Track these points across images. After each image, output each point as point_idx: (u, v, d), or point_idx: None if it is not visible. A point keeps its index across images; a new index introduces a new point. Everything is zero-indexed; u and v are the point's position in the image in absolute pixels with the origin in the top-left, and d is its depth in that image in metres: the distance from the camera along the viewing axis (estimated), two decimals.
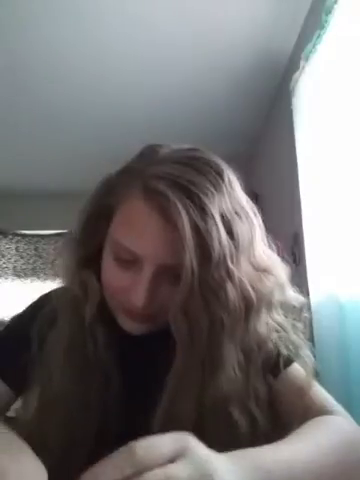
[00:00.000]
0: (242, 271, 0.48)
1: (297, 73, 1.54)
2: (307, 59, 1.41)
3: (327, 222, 1.20)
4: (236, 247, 0.47)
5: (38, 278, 3.41)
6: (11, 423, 0.48)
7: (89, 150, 2.71)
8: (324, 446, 0.43)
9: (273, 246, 0.56)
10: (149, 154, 0.52)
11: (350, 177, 1.04)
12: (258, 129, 2.51)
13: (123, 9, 1.59)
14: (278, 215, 1.96)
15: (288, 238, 1.77)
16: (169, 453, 0.31)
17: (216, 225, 0.45)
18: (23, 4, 1.57)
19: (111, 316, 0.54)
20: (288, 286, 0.54)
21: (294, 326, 0.56)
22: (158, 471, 0.30)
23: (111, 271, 0.51)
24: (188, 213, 0.44)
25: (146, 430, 0.49)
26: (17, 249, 3.46)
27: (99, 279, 0.53)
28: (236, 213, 0.49)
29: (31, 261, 3.44)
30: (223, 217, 0.46)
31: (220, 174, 0.49)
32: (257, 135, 2.57)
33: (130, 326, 0.52)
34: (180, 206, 0.44)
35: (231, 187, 0.50)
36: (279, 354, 0.54)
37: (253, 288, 0.49)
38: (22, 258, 3.45)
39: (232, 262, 0.47)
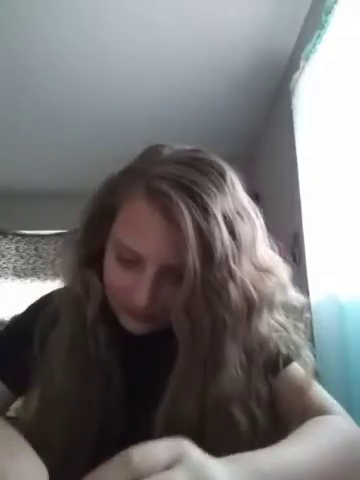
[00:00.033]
0: (244, 271, 0.48)
1: (297, 73, 1.54)
2: (307, 59, 1.41)
3: (327, 222, 1.20)
4: (238, 247, 0.47)
5: (38, 278, 3.41)
6: (12, 423, 0.48)
7: (89, 150, 2.71)
8: (324, 446, 0.43)
9: (275, 246, 0.56)
10: (152, 154, 0.52)
11: (350, 177, 1.04)
12: (258, 129, 2.51)
13: (123, 9, 1.59)
14: (278, 215, 1.96)
15: (288, 238, 1.77)
16: (166, 460, 0.31)
17: (218, 225, 0.45)
18: (23, 4, 1.57)
19: (113, 316, 0.54)
20: (290, 286, 0.55)
21: (295, 326, 0.56)
22: (155, 478, 0.30)
23: (113, 271, 0.51)
24: (191, 213, 0.44)
25: (148, 430, 0.50)
26: (17, 249, 3.46)
27: (101, 279, 0.53)
28: (238, 213, 0.49)
29: (31, 261, 3.44)
30: (225, 217, 0.47)
31: (222, 175, 0.49)
32: (257, 135, 2.57)
33: (132, 326, 0.52)
34: (183, 206, 0.44)
35: (233, 188, 0.50)
36: (279, 353, 0.54)
37: (255, 288, 0.49)
38: (22, 258, 3.45)
39: (234, 262, 0.47)
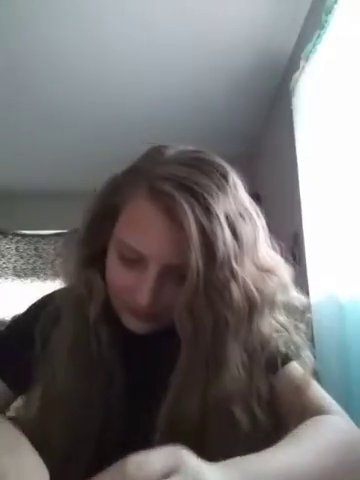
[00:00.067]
0: (246, 271, 0.49)
1: (297, 73, 1.54)
2: (307, 59, 1.41)
3: (327, 222, 1.20)
4: (240, 247, 0.48)
5: (38, 278, 3.41)
6: (13, 422, 0.48)
7: (89, 150, 2.71)
8: (322, 447, 0.43)
9: (276, 247, 0.57)
10: (154, 155, 0.53)
11: (350, 177, 1.04)
12: (258, 129, 2.51)
13: (123, 9, 1.59)
14: (278, 215, 1.96)
15: (288, 238, 1.77)
16: (162, 469, 0.31)
17: (221, 225, 0.46)
18: (23, 4, 1.57)
19: (115, 315, 0.54)
20: (291, 287, 0.55)
21: (296, 327, 0.56)
22: None
23: (116, 270, 0.51)
24: (194, 213, 0.45)
25: (149, 429, 0.50)
26: (17, 249, 3.46)
27: (103, 278, 0.53)
28: (240, 214, 0.49)
29: (31, 261, 3.44)
30: (227, 218, 0.47)
31: (225, 176, 0.50)
32: (257, 135, 2.57)
33: (134, 325, 0.53)
34: (186, 206, 0.45)
35: (235, 188, 0.51)
36: (278, 352, 0.55)
37: (257, 288, 0.49)
38: (22, 258, 3.45)
39: (236, 262, 0.47)
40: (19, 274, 3.41)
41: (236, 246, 0.47)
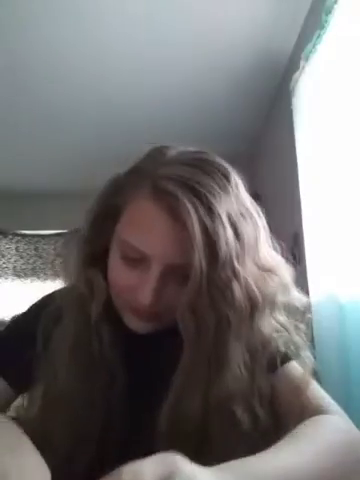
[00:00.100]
0: (247, 271, 0.49)
1: (297, 73, 1.54)
2: (307, 59, 1.41)
3: (327, 222, 1.20)
4: (242, 247, 0.48)
5: (38, 278, 3.41)
6: (14, 422, 0.48)
7: (89, 150, 2.71)
8: (322, 447, 0.43)
9: (277, 247, 0.57)
10: (156, 155, 0.53)
11: (350, 177, 1.04)
12: (258, 129, 2.51)
13: (123, 9, 1.59)
14: (278, 215, 1.96)
15: (288, 238, 1.77)
16: (157, 478, 0.31)
17: (223, 225, 0.46)
18: (23, 4, 1.57)
19: (117, 315, 0.54)
20: (292, 287, 0.55)
21: (296, 327, 0.56)
22: None
23: (118, 270, 0.51)
24: (197, 213, 0.45)
25: (151, 429, 0.50)
26: (17, 249, 3.46)
27: (105, 278, 0.54)
28: (241, 214, 0.50)
29: (31, 261, 3.44)
30: (229, 218, 0.48)
31: (226, 176, 0.50)
32: (257, 135, 2.57)
33: (136, 325, 0.53)
34: (189, 206, 0.45)
35: (237, 189, 0.51)
36: (277, 351, 0.55)
37: (258, 288, 0.50)
38: (22, 258, 3.45)
39: (238, 262, 0.48)
40: (19, 274, 3.41)
41: (238, 246, 0.48)
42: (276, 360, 0.54)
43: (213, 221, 0.45)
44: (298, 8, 1.59)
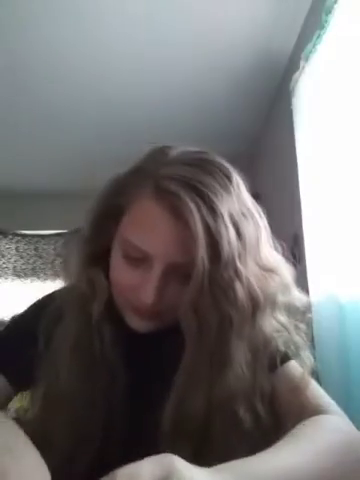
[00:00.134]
0: (249, 271, 0.49)
1: (297, 73, 1.54)
2: (307, 59, 1.41)
3: (327, 222, 1.20)
4: (244, 247, 0.49)
5: (38, 278, 3.41)
6: (15, 422, 0.48)
7: (89, 150, 2.71)
8: (321, 448, 0.42)
9: (278, 247, 0.57)
10: (158, 155, 0.53)
11: (350, 177, 1.04)
12: (258, 129, 2.51)
13: (123, 9, 1.59)
14: (278, 215, 1.96)
15: (288, 238, 1.77)
16: (154, 479, 0.31)
17: (225, 225, 0.46)
18: (23, 4, 1.56)
19: (118, 314, 0.54)
20: (293, 287, 0.56)
21: (297, 327, 0.56)
22: None
23: (120, 269, 0.52)
24: (199, 212, 0.45)
25: (152, 429, 0.50)
26: (17, 249, 3.45)
27: (107, 277, 0.54)
28: (243, 214, 0.50)
29: (31, 261, 3.44)
30: (231, 218, 0.48)
31: (228, 176, 0.50)
32: (257, 135, 2.57)
33: (137, 324, 0.53)
34: (192, 205, 0.45)
35: (238, 189, 0.51)
36: (277, 351, 0.55)
37: (260, 288, 0.50)
38: (22, 258, 3.45)
39: (240, 262, 0.48)
40: (19, 274, 3.41)
41: (240, 246, 0.48)
42: (276, 360, 0.54)
43: (215, 221, 0.46)
44: (298, 8, 1.59)
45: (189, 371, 0.50)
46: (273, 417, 0.52)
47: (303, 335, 0.57)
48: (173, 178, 0.48)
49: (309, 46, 1.38)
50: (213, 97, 2.18)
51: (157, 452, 0.34)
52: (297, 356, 0.56)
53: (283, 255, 0.57)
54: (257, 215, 0.53)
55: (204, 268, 0.45)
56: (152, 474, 0.31)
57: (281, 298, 0.54)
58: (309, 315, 0.58)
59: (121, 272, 0.52)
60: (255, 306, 0.50)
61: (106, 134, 2.54)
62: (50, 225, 3.39)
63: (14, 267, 3.42)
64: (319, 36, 1.28)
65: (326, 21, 1.21)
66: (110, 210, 0.53)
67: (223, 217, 0.46)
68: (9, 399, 0.60)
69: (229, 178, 0.50)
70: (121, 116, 2.34)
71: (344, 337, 1.03)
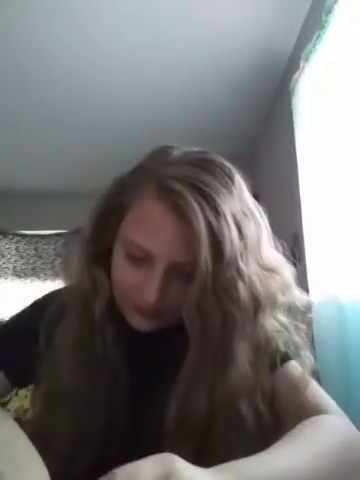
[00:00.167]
0: (251, 270, 0.50)
1: (297, 73, 1.54)
2: (307, 59, 1.41)
3: (327, 222, 1.20)
4: (246, 247, 0.49)
5: (38, 278, 3.41)
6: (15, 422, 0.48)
7: (89, 150, 2.71)
8: (321, 448, 0.42)
9: (279, 247, 0.58)
10: (161, 155, 0.54)
11: (350, 177, 1.04)
12: (258, 129, 2.51)
13: (120, 9, 1.59)
14: (278, 215, 1.95)
15: (288, 238, 1.77)
16: (154, 478, 0.31)
17: (228, 225, 0.47)
18: (16, 4, 1.56)
19: (120, 314, 0.54)
20: (294, 287, 0.56)
21: (297, 327, 0.56)
22: None
23: (122, 268, 0.52)
24: (202, 212, 0.46)
25: (153, 428, 0.50)
26: (17, 249, 3.46)
27: (108, 276, 0.54)
28: (244, 214, 0.50)
29: (31, 261, 3.44)
30: (234, 218, 0.48)
31: (230, 176, 0.51)
32: (257, 135, 2.57)
33: (139, 323, 0.53)
34: (195, 205, 0.46)
35: (240, 189, 0.52)
36: (277, 351, 0.55)
37: (261, 287, 0.50)
38: (22, 258, 3.45)
39: (242, 261, 0.48)
40: (19, 274, 3.41)
41: (242, 245, 0.48)
42: (276, 359, 0.54)
43: (218, 221, 0.46)
44: (298, 8, 1.59)
45: (193, 370, 0.50)
46: (273, 416, 0.52)
47: (303, 335, 0.57)
48: (176, 177, 0.48)
49: (309, 46, 1.38)
50: (213, 97, 2.18)
51: (158, 452, 0.34)
52: (297, 356, 0.56)
53: (284, 255, 0.57)
54: (258, 215, 0.53)
55: (207, 268, 0.45)
56: (152, 473, 0.31)
57: (282, 298, 0.54)
58: (309, 315, 0.58)
59: (123, 271, 0.52)
60: (257, 305, 0.50)
61: (106, 134, 2.54)
62: (50, 225, 3.39)
63: (14, 267, 3.42)
64: (319, 36, 1.28)
65: (326, 21, 1.21)
66: (113, 209, 0.54)
67: (225, 217, 0.47)
68: (6, 392, 0.60)
69: (231, 178, 0.51)
70: (121, 117, 2.34)
71: (344, 337, 1.03)
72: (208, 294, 0.47)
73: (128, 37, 1.74)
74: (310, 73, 1.39)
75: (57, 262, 3.39)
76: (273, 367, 0.54)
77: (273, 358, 0.54)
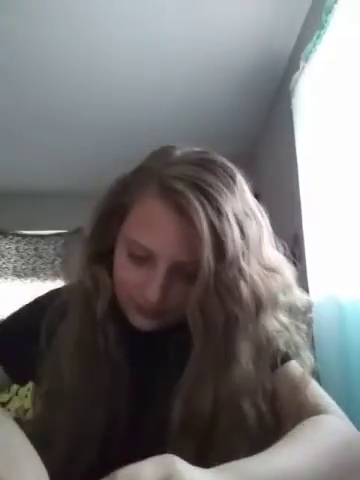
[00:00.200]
0: (253, 270, 0.50)
1: (297, 73, 1.54)
2: (307, 59, 1.41)
3: (327, 222, 1.20)
4: (247, 247, 0.49)
5: (38, 278, 3.41)
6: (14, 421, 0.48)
7: (89, 150, 2.71)
8: (321, 449, 0.42)
9: (280, 247, 0.58)
10: (163, 155, 0.54)
11: (350, 177, 1.04)
12: (258, 129, 2.51)
13: (123, 9, 1.59)
14: (278, 215, 1.95)
15: (288, 238, 1.76)
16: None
17: (230, 225, 0.47)
18: (16, 5, 1.56)
19: (122, 313, 0.54)
20: (295, 287, 0.56)
21: (297, 327, 0.57)
22: None
23: (125, 267, 0.52)
24: (205, 211, 0.46)
25: (154, 428, 0.50)
26: (17, 249, 3.45)
27: (110, 276, 0.54)
28: (246, 214, 0.50)
29: (31, 261, 3.44)
30: (236, 217, 0.48)
31: (232, 176, 0.51)
32: (257, 135, 2.57)
33: (140, 323, 0.53)
34: (197, 204, 0.46)
35: (242, 189, 0.52)
36: (278, 351, 0.55)
37: (263, 287, 0.50)
38: (22, 258, 3.45)
39: (244, 261, 0.48)
40: (19, 274, 3.41)
41: (244, 245, 0.48)
42: (276, 359, 0.55)
43: (220, 220, 0.46)
44: (298, 8, 1.59)
45: (197, 369, 0.50)
46: (274, 416, 0.52)
47: (304, 335, 0.57)
48: (178, 177, 0.48)
49: (309, 46, 1.38)
50: (213, 98, 2.18)
51: (159, 452, 0.34)
52: (297, 356, 0.56)
53: (284, 255, 0.57)
54: (259, 215, 0.54)
55: (210, 268, 0.45)
56: (153, 475, 0.31)
57: (283, 298, 0.54)
58: (310, 315, 0.58)
59: (125, 270, 0.52)
60: (259, 305, 0.50)
61: (106, 134, 2.53)
62: (50, 225, 3.39)
63: (14, 267, 3.42)
64: (319, 36, 1.28)
65: (326, 21, 1.21)
66: (115, 209, 0.54)
67: (228, 216, 0.47)
68: (6, 385, 0.60)
69: (233, 178, 0.51)
70: (121, 117, 2.34)
71: (344, 337, 1.03)
72: (211, 294, 0.47)
73: (128, 37, 1.74)
74: (310, 73, 1.39)
75: (57, 262, 3.39)
76: (274, 367, 0.55)
77: (274, 358, 0.54)
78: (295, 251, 1.69)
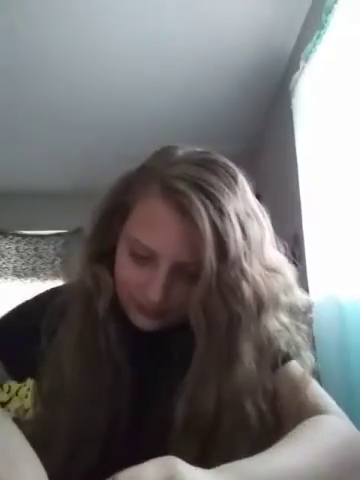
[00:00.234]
0: (254, 270, 0.50)
1: (297, 73, 1.54)
2: (307, 59, 1.41)
3: (327, 222, 1.20)
4: (249, 247, 0.49)
5: (38, 278, 3.40)
6: (14, 422, 0.48)
7: (89, 150, 2.71)
8: (322, 449, 0.43)
9: (281, 247, 0.58)
10: (165, 155, 0.54)
11: (350, 177, 1.04)
12: (258, 129, 2.51)
13: (123, 6, 1.59)
14: (278, 215, 1.95)
15: (288, 238, 1.76)
16: None
17: (232, 225, 0.47)
18: (18, 4, 1.56)
19: (123, 312, 0.54)
20: (296, 287, 0.56)
21: (298, 327, 0.57)
22: None
23: (126, 267, 0.52)
24: (207, 211, 0.46)
25: (155, 428, 0.50)
26: (17, 249, 3.45)
27: (112, 275, 0.54)
28: (248, 214, 0.51)
29: (31, 261, 3.44)
30: (238, 218, 0.48)
31: (234, 177, 0.51)
32: (257, 135, 2.57)
33: (142, 322, 0.53)
34: (199, 204, 0.46)
35: (244, 189, 0.52)
36: (279, 351, 0.55)
37: (264, 287, 0.50)
38: (22, 258, 3.44)
39: (246, 261, 0.49)
40: (19, 274, 3.41)
41: (246, 246, 0.49)
42: (277, 359, 0.55)
43: (223, 221, 0.46)
44: (298, 8, 1.59)
45: (200, 369, 0.50)
46: (274, 416, 0.52)
47: (304, 335, 0.57)
48: (180, 177, 0.48)
49: (309, 46, 1.38)
50: (213, 97, 2.18)
51: (161, 452, 0.34)
52: (298, 356, 0.56)
53: (285, 255, 0.57)
54: (261, 215, 0.54)
55: (212, 268, 0.45)
56: (155, 477, 0.31)
57: (284, 298, 0.54)
58: (310, 315, 0.58)
59: (127, 270, 0.52)
60: (260, 305, 0.50)
61: (106, 134, 2.53)
62: (50, 225, 3.38)
63: (14, 267, 3.42)
64: (319, 36, 1.28)
65: (326, 21, 1.21)
66: (117, 208, 0.54)
67: (230, 217, 0.47)
68: (4, 380, 0.60)
69: (234, 178, 0.51)
70: (121, 115, 2.34)
71: (344, 337, 1.03)
72: (213, 294, 0.47)
73: (127, 35, 1.74)
74: (310, 73, 1.39)
75: (57, 262, 3.39)
76: (274, 367, 0.55)
77: (275, 358, 0.54)
78: (295, 251, 1.69)
